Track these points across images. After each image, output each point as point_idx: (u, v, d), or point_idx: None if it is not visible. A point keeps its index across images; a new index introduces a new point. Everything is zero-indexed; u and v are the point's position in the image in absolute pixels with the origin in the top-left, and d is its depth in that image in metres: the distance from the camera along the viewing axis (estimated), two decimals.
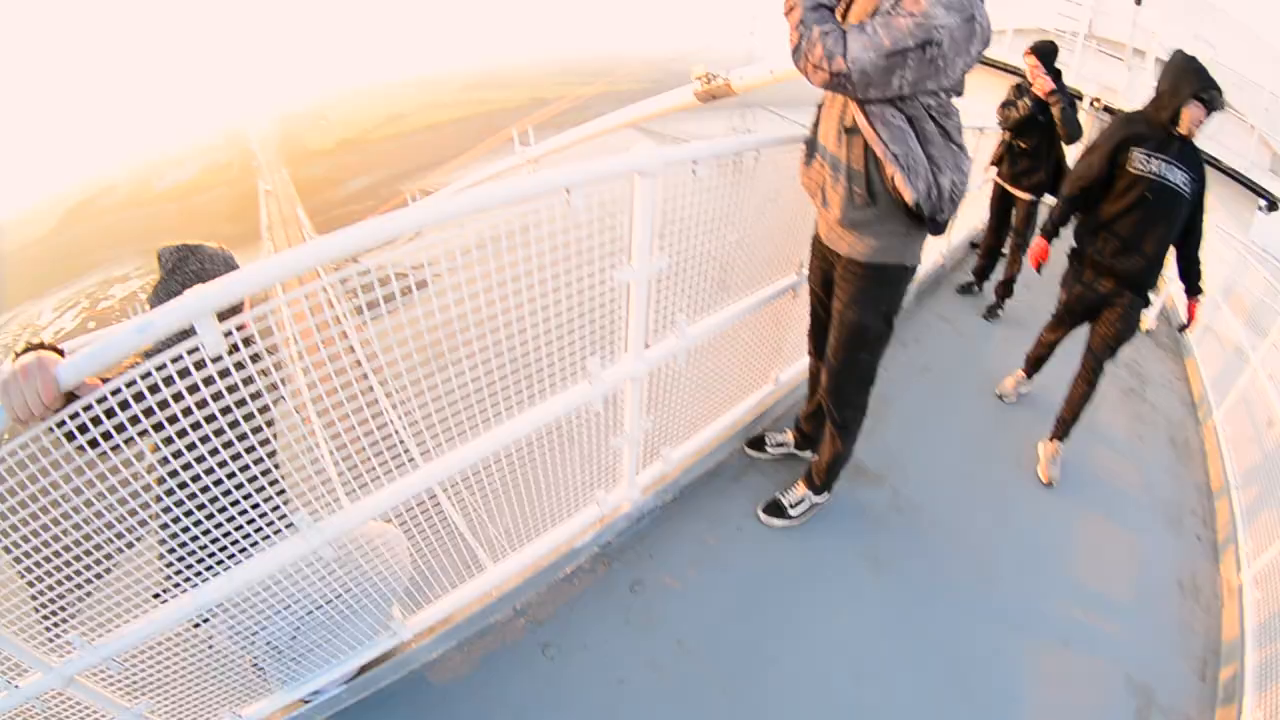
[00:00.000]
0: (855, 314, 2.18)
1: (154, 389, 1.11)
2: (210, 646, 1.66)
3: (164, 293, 1.66)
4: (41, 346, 1.15)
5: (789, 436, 3.04)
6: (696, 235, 2.03)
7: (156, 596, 1.49)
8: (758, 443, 3.05)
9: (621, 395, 2.15)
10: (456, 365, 1.52)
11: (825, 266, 2.31)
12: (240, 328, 1.10)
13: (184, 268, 1.67)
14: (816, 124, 2.07)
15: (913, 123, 1.78)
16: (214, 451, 1.24)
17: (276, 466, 1.41)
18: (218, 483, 1.30)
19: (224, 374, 1.15)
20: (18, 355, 1.14)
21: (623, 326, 1.93)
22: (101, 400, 1.09)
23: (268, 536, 1.47)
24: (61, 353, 1.16)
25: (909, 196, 1.81)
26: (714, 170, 1.97)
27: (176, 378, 1.10)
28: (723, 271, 2.30)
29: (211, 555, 1.44)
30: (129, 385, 1.09)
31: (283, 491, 1.46)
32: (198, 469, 1.25)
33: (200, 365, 1.11)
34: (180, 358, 1.08)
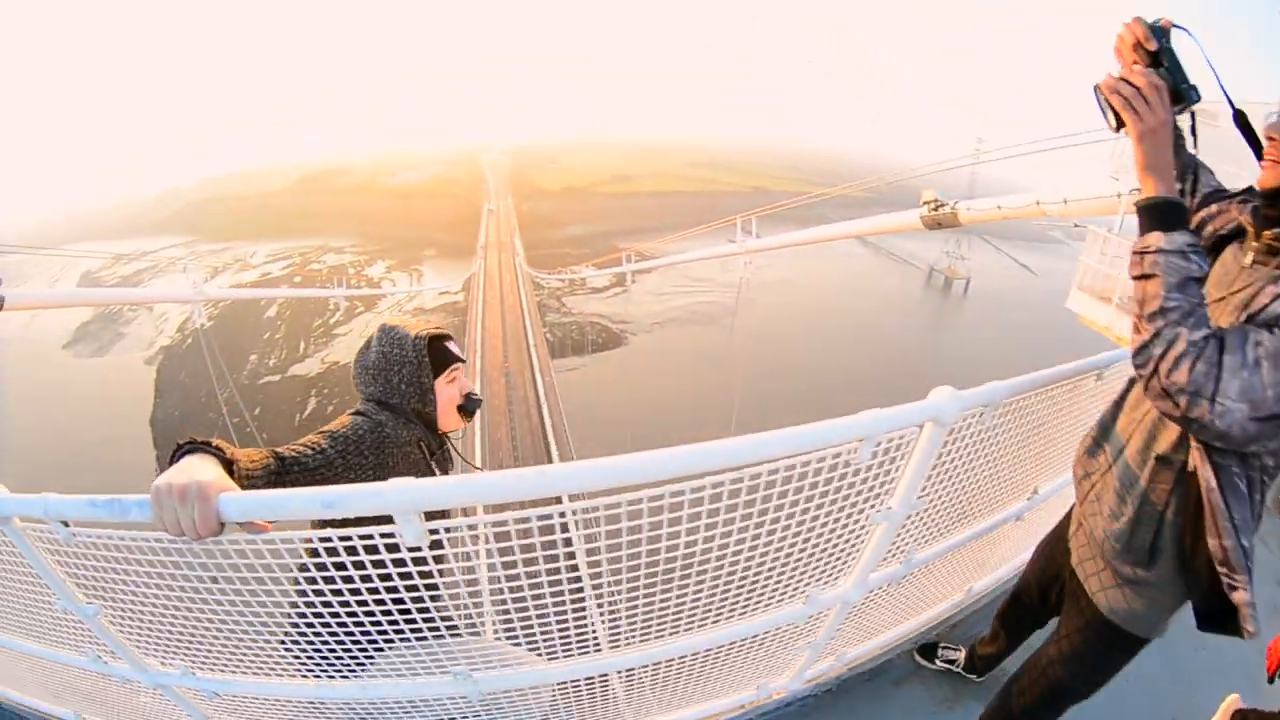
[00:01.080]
0: (1065, 673, 1.84)
1: (332, 550, 1.14)
2: None
3: (366, 374, 1.90)
4: (206, 447, 1.19)
5: (961, 655, 2.79)
6: (958, 472, 1.83)
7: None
8: (929, 650, 2.84)
9: (827, 612, 2.02)
10: (674, 575, 1.47)
11: (1055, 570, 1.99)
12: (447, 530, 1.11)
13: (388, 370, 1.87)
14: (1120, 405, 1.67)
15: (1251, 485, 1.39)
16: (374, 603, 1.27)
17: (440, 616, 1.43)
18: (369, 624, 1.35)
19: (416, 556, 1.15)
20: (180, 448, 1.17)
21: (857, 558, 1.79)
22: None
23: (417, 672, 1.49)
24: (230, 463, 1.20)
25: (1237, 592, 1.40)
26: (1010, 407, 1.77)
27: (362, 549, 1.11)
28: (967, 502, 2.09)
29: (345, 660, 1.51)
30: (306, 545, 1.15)
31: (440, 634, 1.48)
32: (357, 611, 1.30)
33: (393, 547, 1.13)
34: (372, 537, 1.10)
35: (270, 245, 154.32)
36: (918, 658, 2.90)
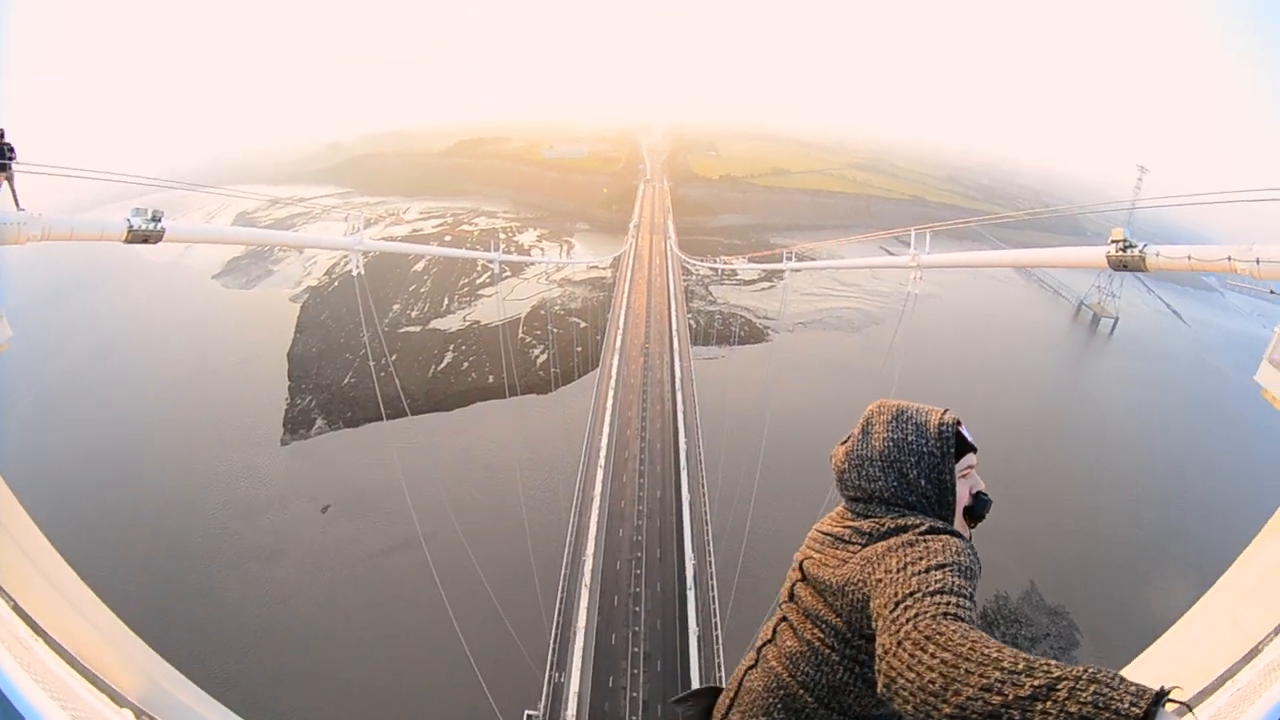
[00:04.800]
0: None
1: None
2: None
3: (870, 467, 1.66)
4: None
5: None
6: None
7: None
8: None
9: None
10: None
11: None
12: None
13: (903, 462, 1.63)
14: None
15: None
16: None
17: None
18: None
19: None
20: None
21: None
22: None
23: None
24: None
25: None
26: None
27: None
28: None
29: None
30: None
31: None
32: None
33: None
34: None
35: (424, 203, 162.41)
36: None
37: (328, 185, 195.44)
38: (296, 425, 63.13)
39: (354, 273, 16.46)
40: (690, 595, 30.70)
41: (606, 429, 46.43)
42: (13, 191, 12.37)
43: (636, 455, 44.55)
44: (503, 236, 77.88)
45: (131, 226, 13.07)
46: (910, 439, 1.63)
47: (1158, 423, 65.59)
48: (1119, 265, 6.10)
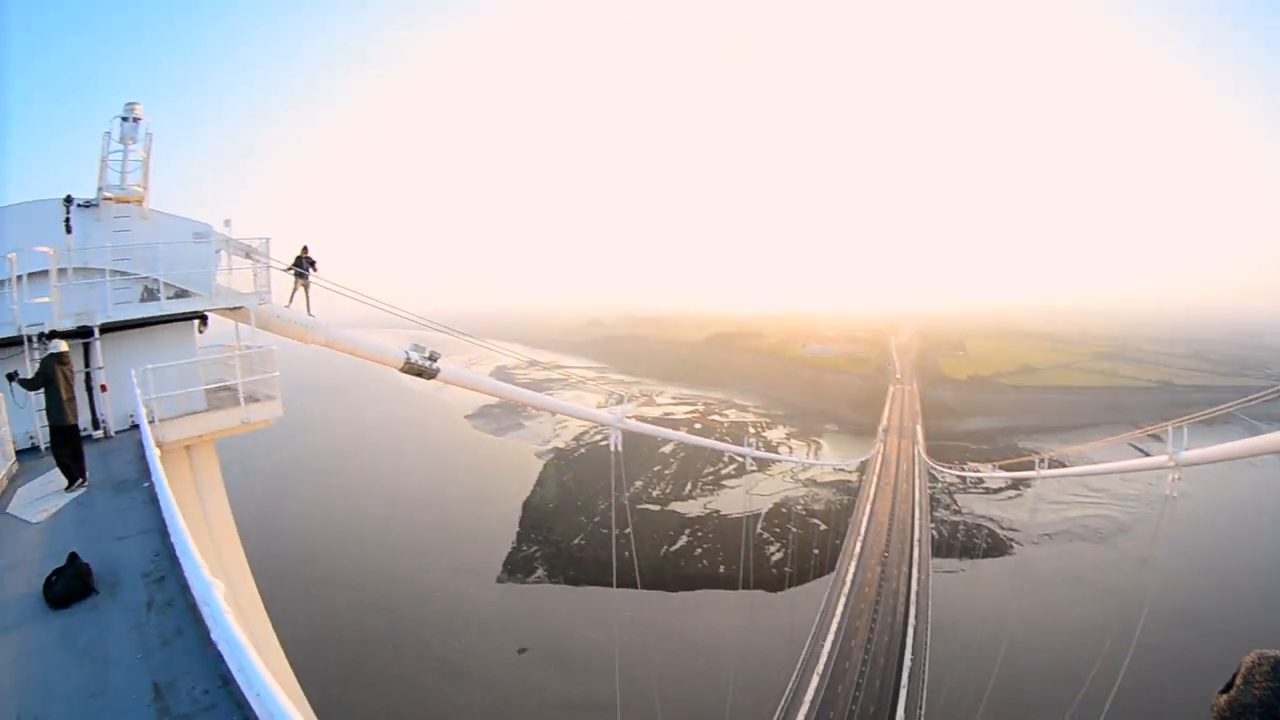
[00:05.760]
0: None
1: None
2: None
3: (1245, 711, 1.66)
4: None
5: None
6: None
7: None
8: None
9: None
10: None
11: None
12: None
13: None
14: None
15: None
16: None
17: None
18: None
19: None
20: None
21: None
22: None
23: None
24: None
25: None
26: None
27: None
28: None
29: None
30: None
31: None
32: None
33: None
34: None
35: (677, 388, 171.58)
36: None
37: (585, 358, 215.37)
38: (516, 568, 66.41)
39: (612, 449, 17.37)
40: None
41: (831, 636, 44.41)
42: (306, 299, 14.55)
43: (857, 667, 41.69)
44: (752, 430, 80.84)
45: (409, 359, 14.84)
46: None
47: None
48: None
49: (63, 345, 10.30)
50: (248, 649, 3.59)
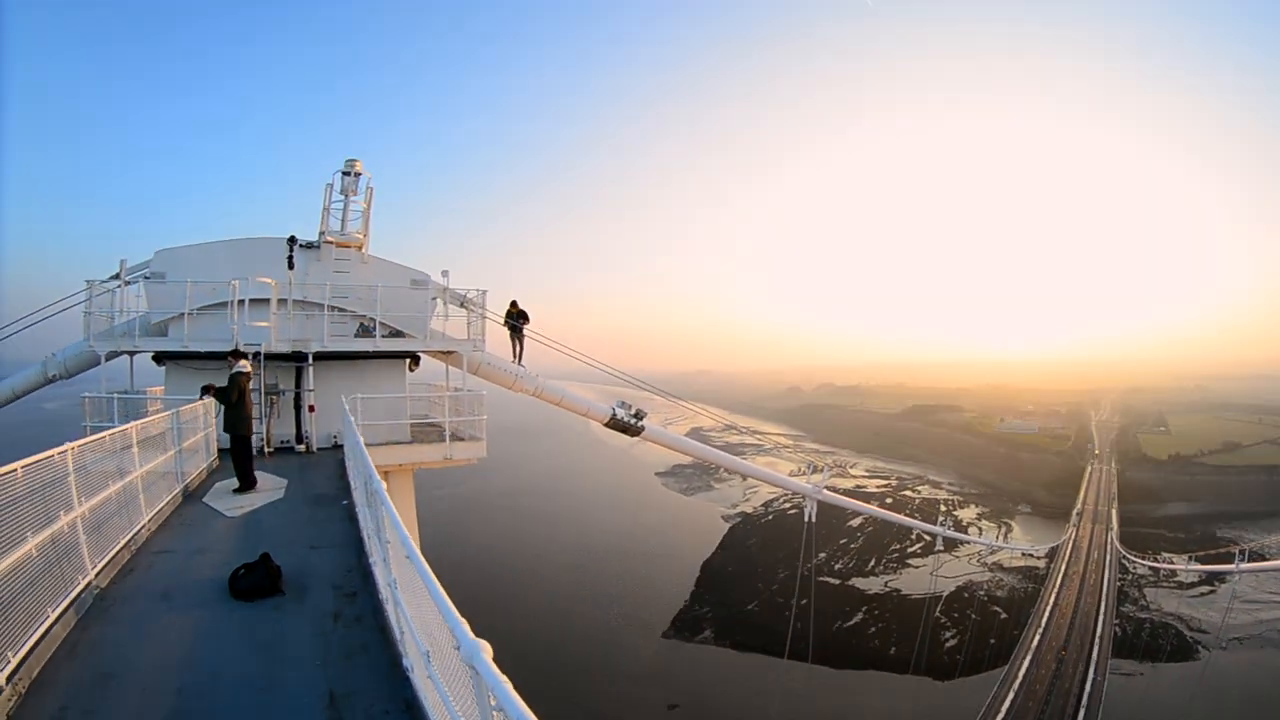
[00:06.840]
0: None
1: None
2: None
3: None
4: None
5: None
6: None
7: None
8: None
9: None
10: None
11: None
12: None
13: None
14: None
15: None
16: None
17: None
18: None
19: None
20: None
21: None
22: None
23: None
24: None
25: None
26: None
27: None
28: None
29: None
30: None
31: None
32: None
33: None
34: None
35: (871, 461, 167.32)
36: None
37: (781, 424, 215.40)
38: (684, 626, 67.40)
39: (806, 518, 18.03)
40: None
41: None
42: (519, 350, 18.26)
43: None
44: (943, 508, 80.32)
45: (615, 415, 16.57)
46: None
47: None
48: None
49: (247, 365, 11.33)
50: None
